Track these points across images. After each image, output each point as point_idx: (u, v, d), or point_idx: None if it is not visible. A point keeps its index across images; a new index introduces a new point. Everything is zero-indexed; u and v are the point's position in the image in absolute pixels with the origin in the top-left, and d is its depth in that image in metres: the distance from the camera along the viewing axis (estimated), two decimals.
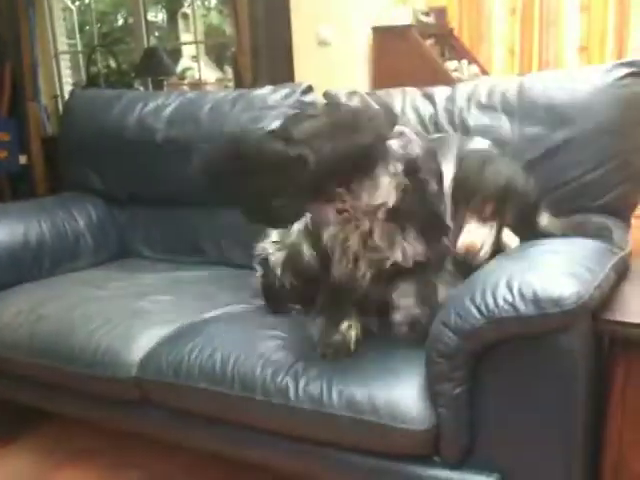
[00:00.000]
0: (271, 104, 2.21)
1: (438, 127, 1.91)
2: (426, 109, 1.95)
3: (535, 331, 1.22)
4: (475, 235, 1.55)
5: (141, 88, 4.65)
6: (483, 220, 1.55)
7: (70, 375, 1.71)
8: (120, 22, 9.13)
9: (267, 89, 2.29)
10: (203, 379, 1.53)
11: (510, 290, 1.22)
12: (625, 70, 1.73)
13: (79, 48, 5.74)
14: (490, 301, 1.22)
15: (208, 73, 6.82)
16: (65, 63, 5.21)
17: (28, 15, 4.77)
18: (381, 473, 1.39)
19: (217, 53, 8.37)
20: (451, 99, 1.93)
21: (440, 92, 1.98)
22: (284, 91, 2.25)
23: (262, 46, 4.08)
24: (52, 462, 2.04)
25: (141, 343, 1.66)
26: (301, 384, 1.42)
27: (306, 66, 3.77)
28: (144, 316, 1.76)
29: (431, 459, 1.35)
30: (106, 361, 1.65)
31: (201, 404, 1.57)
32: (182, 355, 1.58)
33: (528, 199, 1.57)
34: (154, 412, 1.65)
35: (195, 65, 7.24)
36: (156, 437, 1.76)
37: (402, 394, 1.34)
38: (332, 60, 3.67)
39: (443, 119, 1.91)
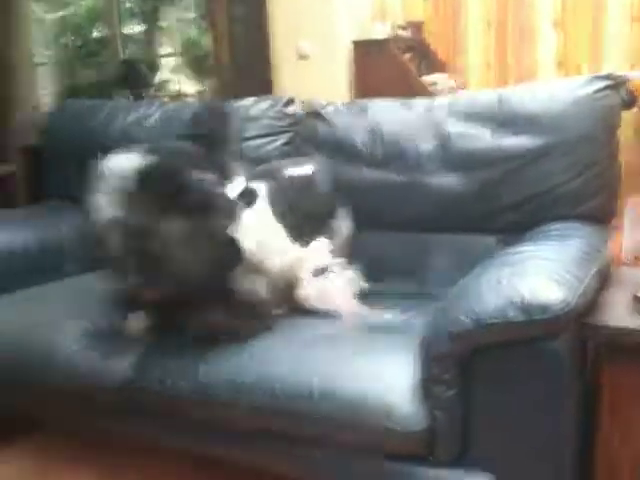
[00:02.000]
0: (253, 115, 2.23)
1: (414, 132, 1.94)
2: (403, 115, 1.99)
3: (523, 336, 1.25)
4: None
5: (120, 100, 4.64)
6: None
7: (58, 386, 1.71)
8: (95, 35, 9.08)
9: (249, 100, 2.30)
10: (188, 387, 1.54)
11: (499, 296, 1.25)
12: (602, 83, 1.78)
13: (57, 59, 5.72)
14: (480, 307, 1.25)
15: (187, 85, 6.81)
16: (43, 75, 5.19)
17: (7, 25, 4.73)
18: (375, 472, 1.42)
19: (197, 66, 8.36)
20: (430, 108, 1.97)
21: (419, 102, 2.02)
22: (267, 102, 2.27)
23: (241, 59, 4.11)
24: (41, 470, 2.03)
25: (130, 351, 1.66)
26: (291, 383, 1.44)
27: (286, 79, 3.80)
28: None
29: (425, 459, 1.37)
30: (94, 370, 1.65)
31: (187, 412, 1.58)
32: (168, 364, 1.59)
33: None
34: (143, 420, 1.66)
35: (174, 77, 7.23)
36: (145, 444, 1.77)
37: (397, 395, 1.36)
38: (312, 73, 3.71)
39: (421, 125, 1.94)
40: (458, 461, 1.36)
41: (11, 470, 2.04)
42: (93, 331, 1.75)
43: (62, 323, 1.81)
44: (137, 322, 1.68)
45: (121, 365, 1.64)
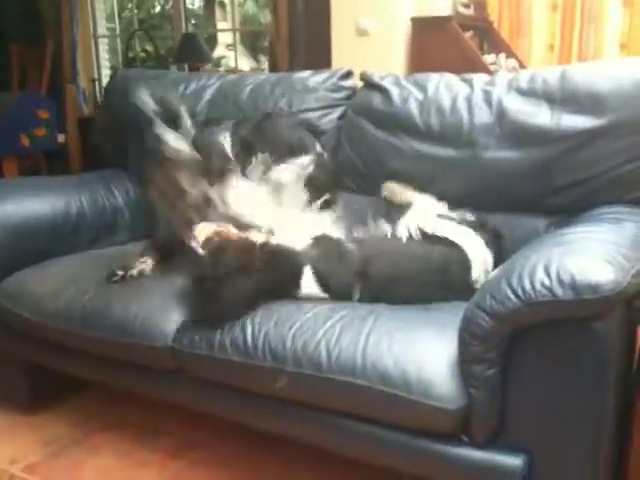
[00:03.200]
0: (311, 87, 2.23)
1: (471, 106, 1.91)
2: (461, 89, 1.96)
3: (571, 316, 1.23)
4: None
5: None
6: None
7: (108, 343, 1.75)
8: (157, 9, 9.22)
9: (307, 73, 2.31)
10: (235, 352, 1.56)
11: (548, 274, 1.22)
12: None
13: (118, 32, 5.81)
14: (527, 285, 1.23)
15: (242, 62, 6.84)
16: (103, 47, 5.28)
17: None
18: (408, 448, 1.42)
19: (251, 42, 8.43)
20: (490, 83, 1.94)
21: (479, 77, 1.99)
22: (324, 75, 2.27)
23: (300, 36, 4.10)
24: (87, 428, 2.10)
25: (177, 314, 1.70)
26: (333, 354, 1.44)
27: (344, 56, 3.77)
28: (179, 289, 1.78)
29: (459, 438, 1.36)
30: (144, 329, 1.68)
31: (233, 376, 1.60)
32: (215, 329, 1.60)
33: None
34: (188, 382, 1.69)
35: (229, 54, 7.29)
36: (188, 406, 1.81)
37: (434, 371, 1.35)
38: (370, 50, 3.68)
39: (479, 99, 1.91)
40: (493, 441, 1.34)
41: (59, 427, 2.11)
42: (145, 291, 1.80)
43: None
44: None
45: (170, 325, 1.68)
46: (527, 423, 1.32)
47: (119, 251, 2.15)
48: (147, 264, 1.97)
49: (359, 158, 2.11)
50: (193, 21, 7.93)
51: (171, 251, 1.94)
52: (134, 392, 1.94)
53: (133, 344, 1.70)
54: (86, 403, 2.24)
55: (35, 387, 2.18)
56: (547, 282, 1.21)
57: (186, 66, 4.79)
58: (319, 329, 1.50)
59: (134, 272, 1.92)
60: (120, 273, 1.90)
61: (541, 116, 1.80)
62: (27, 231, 2.07)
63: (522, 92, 1.86)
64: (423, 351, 1.40)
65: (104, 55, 5.28)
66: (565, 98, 1.78)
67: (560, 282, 1.20)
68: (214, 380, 1.64)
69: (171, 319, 1.69)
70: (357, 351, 1.42)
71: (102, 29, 5.27)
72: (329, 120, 2.20)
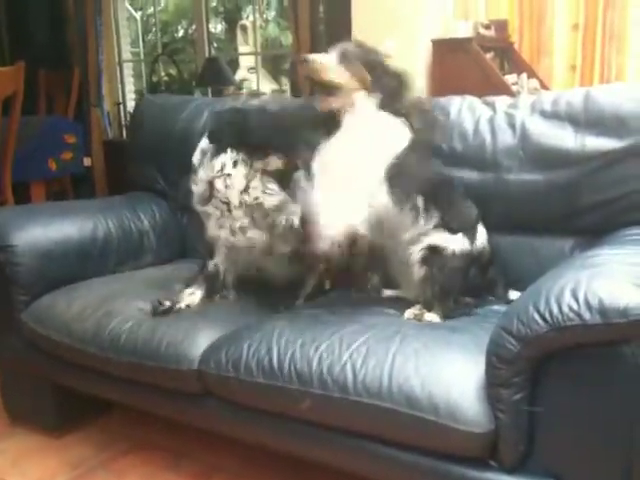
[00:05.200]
0: None
1: (494, 129, 1.92)
2: (484, 112, 1.98)
3: (599, 340, 1.22)
4: None
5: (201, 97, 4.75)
6: None
7: (134, 367, 1.76)
8: (181, 33, 9.36)
9: None
10: (261, 374, 1.56)
11: (576, 298, 1.21)
12: None
13: (142, 57, 5.89)
14: (555, 308, 1.22)
15: (264, 84, 6.90)
16: (128, 71, 5.36)
17: (95, 23, 4.93)
18: (435, 473, 1.40)
19: (273, 65, 8.53)
20: (513, 106, 1.95)
21: (501, 100, 2.00)
22: None
23: None
24: (112, 450, 2.11)
25: (203, 338, 1.71)
26: (359, 377, 1.44)
27: None
28: (206, 313, 1.81)
29: (487, 462, 1.35)
30: (170, 354, 1.69)
31: (259, 398, 1.60)
32: (241, 351, 1.62)
33: None
34: (215, 405, 1.69)
35: (251, 76, 7.37)
36: (215, 430, 1.81)
37: (461, 395, 1.34)
38: None
39: (502, 121, 1.92)
40: (521, 466, 1.33)
41: (85, 449, 2.12)
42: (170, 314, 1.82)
43: (139, 305, 1.88)
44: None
45: (196, 349, 1.69)
46: (556, 448, 1.30)
47: (147, 274, 2.17)
48: (196, 295, 1.90)
49: None
50: (215, 45, 8.03)
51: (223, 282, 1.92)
52: (159, 414, 1.94)
53: (159, 367, 1.71)
54: (111, 424, 2.26)
55: (61, 408, 2.20)
56: (575, 306, 1.20)
57: (209, 89, 4.85)
58: (345, 351, 1.50)
59: (182, 305, 1.86)
60: (167, 304, 1.83)
61: (565, 138, 1.81)
62: (55, 255, 2.10)
63: (545, 114, 1.86)
64: (450, 373, 1.39)
65: (129, 79, 5.37)
66: (589, 120, 1.79)
67: (588, 306, 1.19)
68: (240, 402, 1.65)
69: (197, 343, 1.70)
70: (383, 373, 1.42)
71: (127, 54, 5.36)
72: None
